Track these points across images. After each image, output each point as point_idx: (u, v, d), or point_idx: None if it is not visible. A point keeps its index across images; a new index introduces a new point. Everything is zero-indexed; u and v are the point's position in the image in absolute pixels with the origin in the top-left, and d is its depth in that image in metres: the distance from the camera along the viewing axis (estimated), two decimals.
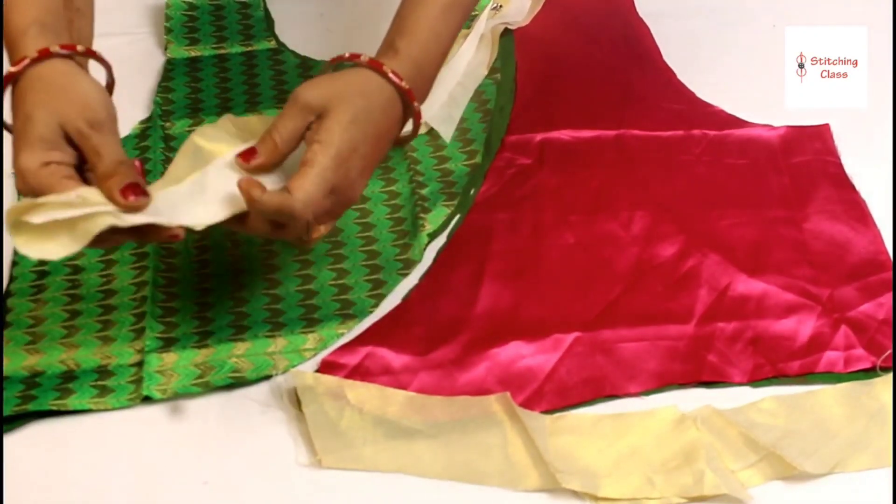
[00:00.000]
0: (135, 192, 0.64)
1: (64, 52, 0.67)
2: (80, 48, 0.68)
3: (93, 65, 0.72)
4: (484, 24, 0.98)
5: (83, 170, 0.66)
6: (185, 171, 0.68)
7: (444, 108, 0.92)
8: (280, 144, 0.68)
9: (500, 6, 1.01)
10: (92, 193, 0.64)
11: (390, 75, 0.70)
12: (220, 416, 0.71)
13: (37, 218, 0.60)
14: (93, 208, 0.62)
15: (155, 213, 0.65)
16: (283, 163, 0.69)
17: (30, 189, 0.64)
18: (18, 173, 0.64)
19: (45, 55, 0.66)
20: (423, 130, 0.91)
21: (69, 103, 0.65)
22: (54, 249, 0.61)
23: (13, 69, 0.66)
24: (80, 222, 0.62)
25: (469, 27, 1.00)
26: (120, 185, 0.64)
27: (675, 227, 0.83)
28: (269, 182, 0.68)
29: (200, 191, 0.67)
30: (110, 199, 0.64)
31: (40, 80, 0.66)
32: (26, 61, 0.66)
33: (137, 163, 0.68)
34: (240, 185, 0.65)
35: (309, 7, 1.07)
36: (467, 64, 0.96)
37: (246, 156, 0.68)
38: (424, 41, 0.73)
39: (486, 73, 0.97)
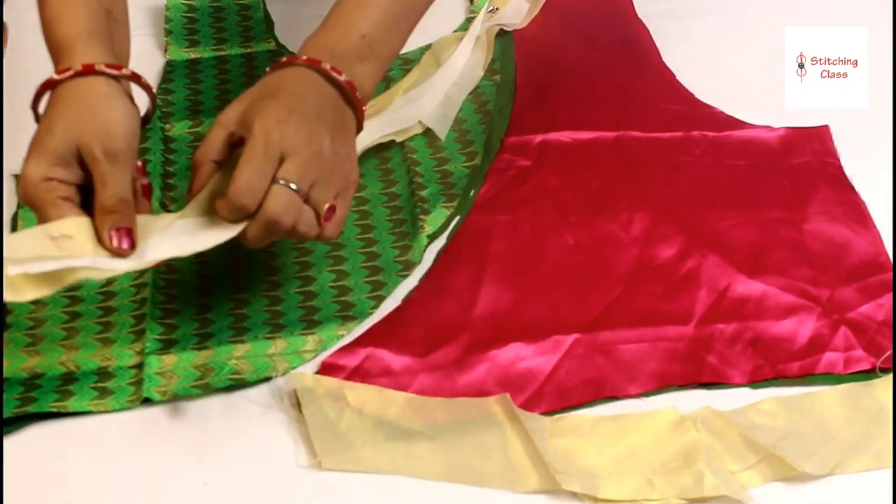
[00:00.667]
0: (126, 237, 0.64)
1: (110, 71, 0.67)
2: (125, 71, 0.68)
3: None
4: (480, 26, 0.98)
5: (89, 191, 0.66)
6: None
7: (439, 108, 0.92)
8: (200, 157, 0.68)
9: (497, 8, 1.01)
10: (76, 228, 0.63)
11: (304, 60, 0.70)
12: (220, 417, 0.71)
13: (12, 270, 0.60)
14: (68, 261, 0.62)
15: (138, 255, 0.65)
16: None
17: (26, 199, 0.64)
18: (21, 180, 0.65)
19: (89, 70, 0.67)
20: (419, 131, 0.91)
21: (92, 125, 0.65)
22: (28, 293, 0.61)
23: (56, 77, 0.66)
24: (56, 271, 0.62)
25: (466, 28, 1.00)
26: (114, 225, 0.64)
27: (674, 228, 0.83)
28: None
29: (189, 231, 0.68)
30: (99, 234, 0.64)
31: (76, 93, 0.66)
32: (70, 72, 0.66)
33: (139, 163, 0.68)
34: (216, 207, 0.66)
35: (308, 9, 1.07)
36: (463, 65, 0.96)
37: (189, 189, 0.69)
38: (341, 32, 0.73)
39: (481, 74, 0.97)
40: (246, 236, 0.67)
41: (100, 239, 0.64)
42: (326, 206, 0.68)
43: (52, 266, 0.61)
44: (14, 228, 0.83)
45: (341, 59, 0.72)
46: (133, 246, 0.65)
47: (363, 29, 0.74)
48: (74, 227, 0.64)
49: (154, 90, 0.72)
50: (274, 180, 0.66)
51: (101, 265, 0.63)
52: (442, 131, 0.91)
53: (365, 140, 0.86)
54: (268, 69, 0.73)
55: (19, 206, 0.85)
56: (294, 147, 0.66)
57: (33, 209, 0.65)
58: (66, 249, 0.62)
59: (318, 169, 0.68)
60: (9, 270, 0.60)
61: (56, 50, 0.69)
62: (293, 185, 0.66)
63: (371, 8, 0.74)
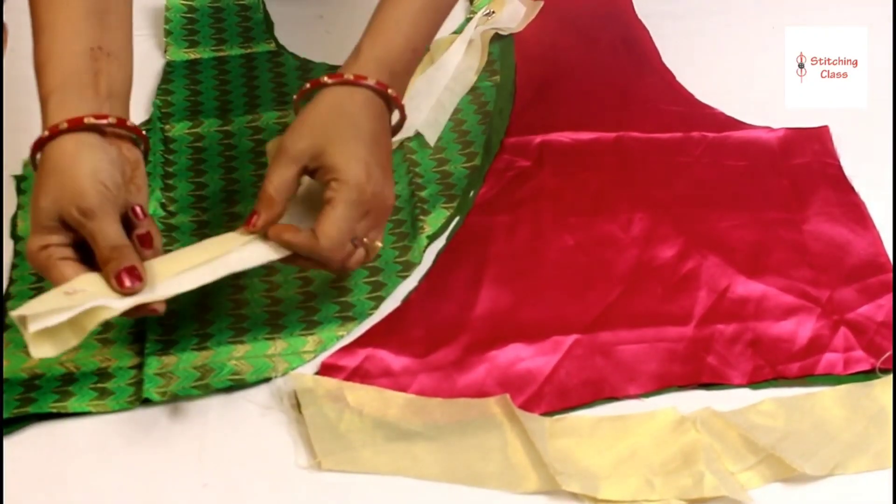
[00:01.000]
0: (130, 276, 0.67)
1: (88, 122, 0.69)
2: (89, 121, 0.69)
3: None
4: (473, 29, 0.98)
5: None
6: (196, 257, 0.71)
7: (431, 113, 0.92)
8: (276, 196, 0.70)
9: (493, 12, 1.01)
10: (87, 281, 0.67)
11: (353, 79, 0.72)
12: (220, 418, 0.71)
13: (33, 327, 0.64)
14: (82, 306, 0.65)
15: (151, 290, 0.68)
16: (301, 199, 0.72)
17: (34, 268, 0.68)
18: (26, 252, 0.68)
19: (54, 133, 0.68)
20: (410, 133, 0.90)
21: (63, 190, 0.67)
22: (53, 348, 0.65)
23: (37, 141, 0.69)
24: (77, 318, 0.65)
25: (460, 31, 0.99)
26: (115, 271, 0.67)
27: (674, 228, 0.83)
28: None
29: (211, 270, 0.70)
30: (108, 283, 0.67)
31: (48, 160, 0.69)
32: (46, 134, 0.68)
33: (138, 208, 0.70)
34: (270, 234, 0.69)
35: (308, 9, 1.07)
36: (455, 68, 0.96)
37: (248, 221, 0.71)
38: (387, 39, 0.75)
39: (474, 78, 0.96)
40: (293, 261, 0.71)
41: (110, 286, 0.67)
42: (377, 245, 0.73)
43: (68, 315, 0.64)
44: (14, 228, 0.83)
45: (397, 77, 0.74)
46: (141, 280, 0.67)
47: (414, 42, 0.76)
48: (86, 281, 0.67)
49: (143, 131, 0.74)
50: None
51: (116, 304, 0.66)
52: (432, 137, 0.91)
53: None
54: (327, 78, 0.73)
55: (19, 207, 0.85)
56: (375, 205, 0.71)
57: (43, 276, 0.68)
58: (81, 300, 0.65)
59: (382, 219, 0.73)
60: (30, 328, 0.63)
61: (40, 105, 0.71)
62: (357, 241, 0.71)
63: (417, 19, 0.76)
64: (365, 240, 0.72)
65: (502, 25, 1.01)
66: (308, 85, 0.74)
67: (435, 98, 0.93)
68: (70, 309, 0.64)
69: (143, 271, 0.67)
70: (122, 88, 0.74)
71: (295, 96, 0.75)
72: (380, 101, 0.73)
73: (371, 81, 0.72)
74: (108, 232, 0.68)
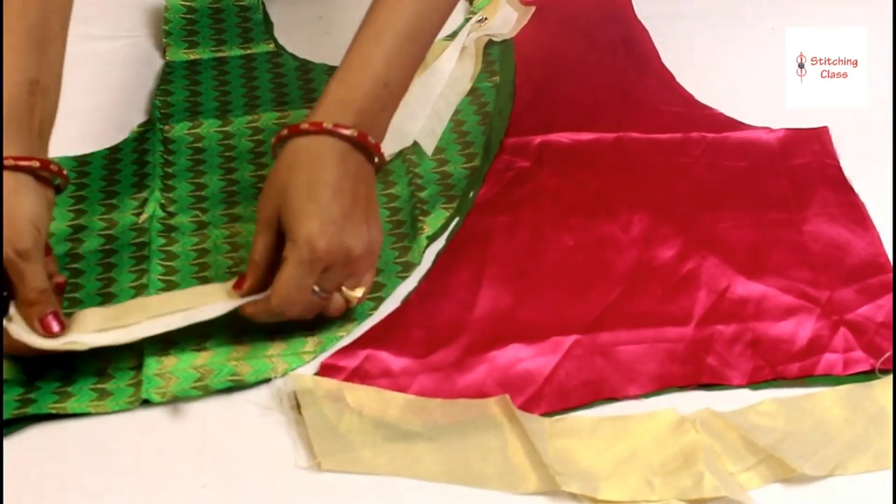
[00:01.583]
0: (56, 321, 0.70)
1: (18, 164, 0.70)
2: (31, 164, 0.71)
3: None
4: (466, 35, 0.97)
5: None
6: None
7: (427, 122, 0.91)
8: (259, 262, 0.72)
9: (485, 18, 1.00)
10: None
11: (308, 128, 0.71)
12: (220, 419, 0.71)
13: None
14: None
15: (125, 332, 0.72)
16: None
17: None
18: None
19: None
20: (408, 143, 0.89)
21: (3, 229, 0.68)
22: None
23: None
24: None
25: (456, 34, 0.99)
26: (40, 315, 0.70)
27: (674, 229, 0.83)
28: None
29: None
30: (30, 324, 0.70)
31: None
32: None
33: (61, 279, 0.74)
34: (241, 309, 0.72)
35: (308, 10, 1.07)
36: (450, 75, 0.95)
37: (238, 284, 0.73)
38: (353, 77, 0.74)
39: (469, 85, 0.95)
40: (251, 315, 0.73)
41: (32, 328, 0.70)
42: (357, 293, 0.73)
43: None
44: None
45: (366, 114, 0.73)
46: (62, 326, 0.71)
47: (385, 77, 0.74)
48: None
49: (64, 171, 0.75)
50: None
51: (38, 342, 0.70)
52: (429, 146, 0.90)
53: None
54: (286, 131, 0.72)
55: None
56: (334, 260, 0.70)
57: None
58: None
59: (353, 267, 0.72)
60: None
61: None
62: (324, 293, 0.72)
63: (391, 53, 0.75)
64: (344, 288, 0.72)
65: (495, 31, 1.00)
66: (285, 131, 0.73)
67: (430, 105, 0.92)
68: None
69: (62, 318, 0.71)
70: (49, 126, 0.76)
71: (273, 140, 0.74)
72: (343, 145, 0.72)
73: (328, 125, 0.71)
74: (39, 274, 0.70)
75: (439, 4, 0.78)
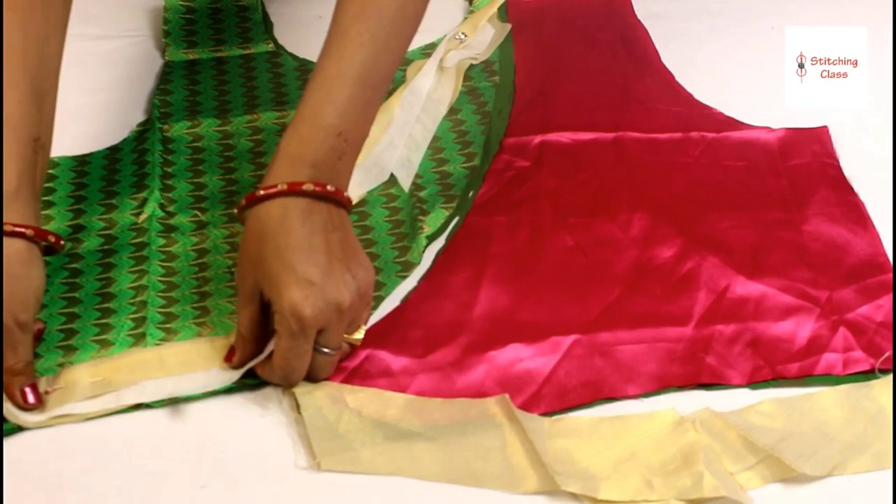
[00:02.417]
0: (35, 393, 0.70)
1: (29, 233, 0.70)
2: (43, 236, 0.71)
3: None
4: (442, 54, 0.94)
5: None
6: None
7: (404, 150, 0.88)
8: (247, 335, 0.71)
9: (465, 36, 0.97)
10: None
11: (262, 194, 0.70)
12: (219, 419, 0.71)
13: None
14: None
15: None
16: None
17: None
18: None
19: (14, 234, 0.70)
20: (385, 178, 0.87)
21: (12, 297, 0.69)
22: None
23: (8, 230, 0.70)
24: None
25: (426, 56, 0.96)
26: (23, 384, 0.70)
27: (673, 229, 0.83)
28: None
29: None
30: (9, 392, 0.70)
31: (6, 260, 0.69)
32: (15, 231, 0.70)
33: (41, 325, 0.75)
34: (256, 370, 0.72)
35: (307, 9, 1.07)
36: (427, 98, 0.92)
37: (228, 357, 0.73)
38: (305, 130, 0.72)
39: (445, 111, 0.93)
40: (265, 378, 0.72)
41: (10, 396, 0.70)
42: (358, 335, 0.73)
43: None
44: None
45: (322, 166, 0.71)
46: (39, 400, 0.70)
47: (339, 126, 0.72)
48: None
49: (61, 241, 0.74)
50: (315, 349, 0.70)
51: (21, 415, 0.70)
52: (406, 180, 0.87)
53: (351, 194, 0.85)
54: (244, 202, 0.71)
55: None
56: (327, 319, 0.69)
57: None
58: None
59: (350, 316, 0.71)
60: None
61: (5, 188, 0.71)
62: (328, 351, 0.71)
63: (343, 100, 0.73)
64: (345, 336, 0.72)
65: (474, 53, 0.97)
66: (244, 201, 0.71)
67: (408, 132, 0.89)
68: None
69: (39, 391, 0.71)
70: (42, 185, 0.76)
71: (236, 211, 0.73)
72: (304, 201, 0.70)
73: (282, 187, 0.70)
74: (29, 348, 0.71)
75: (390, 45, 0.75)
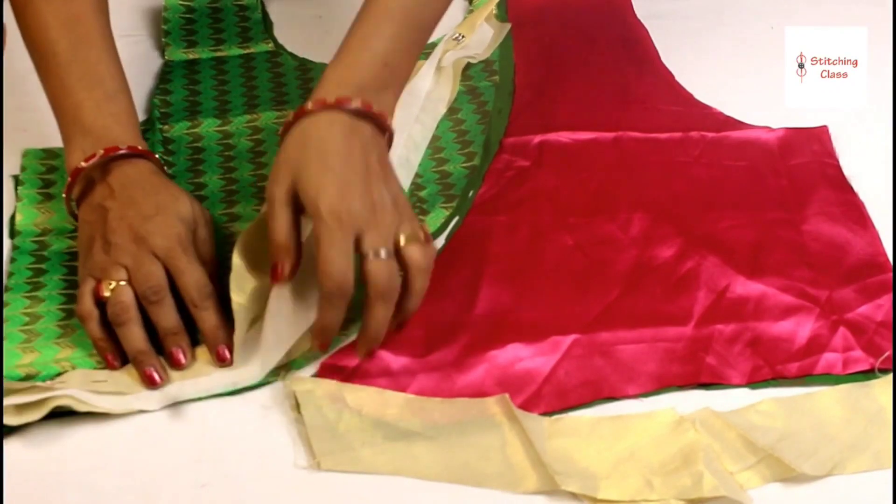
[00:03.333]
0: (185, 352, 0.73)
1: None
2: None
3: None
4: (440, 53, 0.94)
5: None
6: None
7: (403, 150, 0.88)
8: (287, 242, 0.70)
9: (463, 36, 0.96)
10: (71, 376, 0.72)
11: (310, 108, 0.72)
12: (219, 418, 0.71)
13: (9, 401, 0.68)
14: (52, 392, 0.69)
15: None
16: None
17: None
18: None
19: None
20: None
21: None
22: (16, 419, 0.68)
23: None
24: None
25: (425, 55, 0.95)
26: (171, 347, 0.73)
27: (673, 228, 0.83)
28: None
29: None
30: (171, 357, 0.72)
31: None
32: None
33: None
34: (313, 329, 0.71)
35: (307, 9, 1.07)
36: (426, 97, 0.92)
37: (274, 275, 0.70)
38: (350, 57, 0.75)
39: (444, 111, 0.94)
40: (372, 319, 0.70)
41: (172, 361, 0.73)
42: (421, 234, 0.72)
43: (40, 396, 0.68)
44: (12, 228, 0.83)
45: (369, 90, 0.73)
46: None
47: (385, 57, 0.75)
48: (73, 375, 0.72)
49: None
50: (364, 255, 0.69)
51: (91, 399, 0.69)
52: (404, 179, 0.87)
53: None
54: (292, 117, 0.73)
55: (17, 200, 0.85)
56: (365, 219, 0.69)
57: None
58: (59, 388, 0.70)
59: (392, 221, 0.70)
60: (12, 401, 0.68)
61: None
62: (383, 253, 0.69)
63: (389, 36, 0.76)
64: (402, 237, 0.70)
65: (472, 52, 0.97)
66: (291, 116, 0.73)
67: (407, 132, 0.89)
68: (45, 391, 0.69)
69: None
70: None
71: (281, 130, 0.74)
72: (349, 118, 0.72)
73: (331, 100, 0.72)
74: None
75: None
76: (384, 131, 0.74)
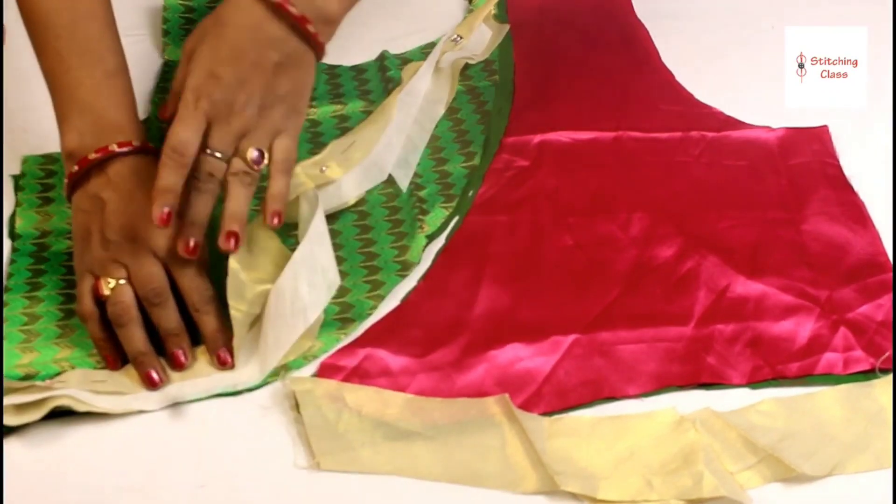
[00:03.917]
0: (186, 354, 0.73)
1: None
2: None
3: None
4: (439, 55, 0.93)
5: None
6: None
7: (402, 151, 0.88)
8: (178, 90, 0.73)
9: (461, 38, 0.95)
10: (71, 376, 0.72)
11: None
12: (219, 418, 0.71)
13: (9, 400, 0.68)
14: (52, 392, 0.69)
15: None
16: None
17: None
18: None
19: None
20: (383, 178, 0.86)
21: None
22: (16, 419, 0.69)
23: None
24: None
25: (425, 55, 0.95)
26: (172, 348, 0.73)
27: (673, 228, 0.83)
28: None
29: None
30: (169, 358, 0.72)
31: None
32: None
33: None
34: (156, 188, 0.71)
35: None
36: (424, 98, 0.91)
37: (162, 112, 0.76)
38: None
39: (442, 112, 0.93)
40: (190, 208, 0.72)
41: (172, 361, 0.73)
42: (250, 153, 0.72)
43: (39, 396, 0.68)
44: (12, 228, 0.83)
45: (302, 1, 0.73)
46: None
47: None
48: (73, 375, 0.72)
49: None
50: (201, 149, 0.71)
51: (91, 399, 0.69)
52: (404, 180, 0.87)
53: (350, 194, 0.85)
54: None
55: (17, 205, 0.85)
56: (221, 112, 0.71)
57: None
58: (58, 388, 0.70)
59: (244, 123, 0.72)
60: (12, 400, 0.68)
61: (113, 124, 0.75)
62: (218, 154, 0.71)
63: None
64: (240, 149, 0.72)
65: (470, 53, 0.96)
66: None
67: (406, 134, 0.89)
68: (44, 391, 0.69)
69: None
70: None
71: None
72: (260, 11, 0.71)
73: None
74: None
75: None
76: (307, 38, 0.73)
